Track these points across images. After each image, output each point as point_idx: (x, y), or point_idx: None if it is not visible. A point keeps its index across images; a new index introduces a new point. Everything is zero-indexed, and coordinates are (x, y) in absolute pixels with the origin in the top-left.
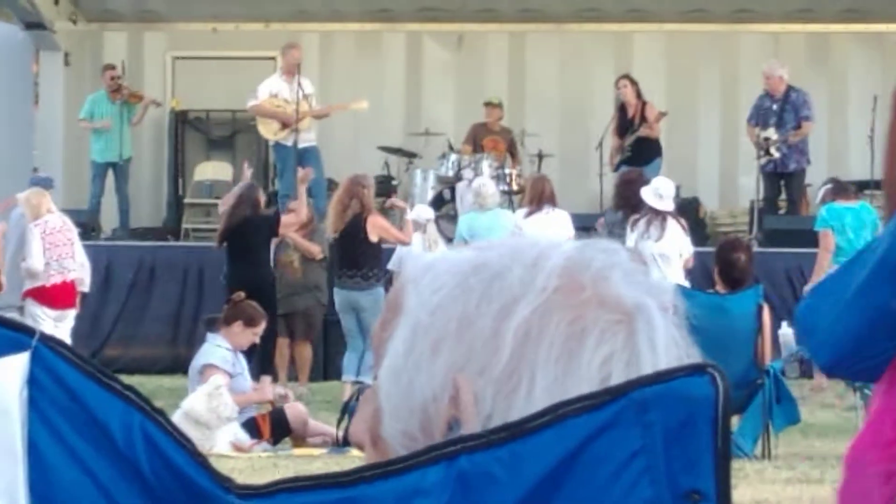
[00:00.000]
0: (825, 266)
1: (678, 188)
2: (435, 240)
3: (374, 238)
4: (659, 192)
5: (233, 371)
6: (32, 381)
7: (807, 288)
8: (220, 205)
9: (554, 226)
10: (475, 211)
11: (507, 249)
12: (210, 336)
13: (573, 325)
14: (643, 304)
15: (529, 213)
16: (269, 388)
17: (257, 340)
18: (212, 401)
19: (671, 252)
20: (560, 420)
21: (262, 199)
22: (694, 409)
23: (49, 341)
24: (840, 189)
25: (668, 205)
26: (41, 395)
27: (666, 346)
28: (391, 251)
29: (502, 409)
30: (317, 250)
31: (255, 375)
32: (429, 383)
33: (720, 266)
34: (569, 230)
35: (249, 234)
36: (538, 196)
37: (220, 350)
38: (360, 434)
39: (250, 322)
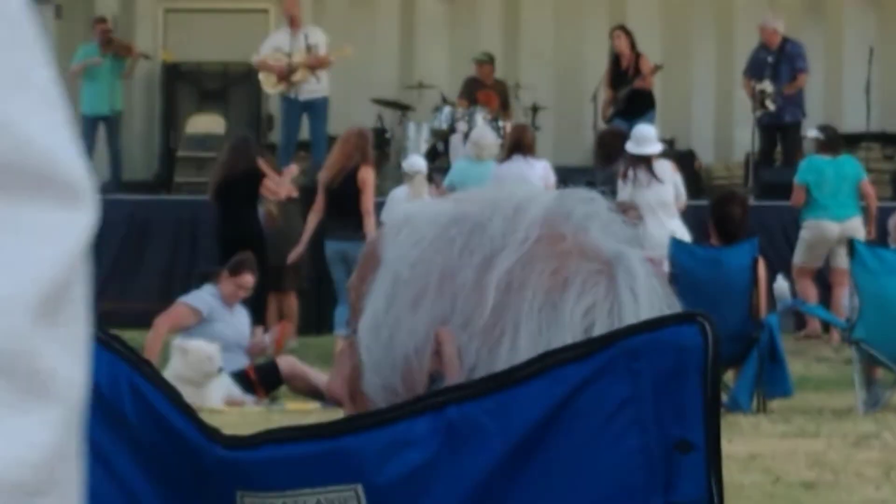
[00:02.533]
0: None
1: (672, 141)
2: (419, 192)
3: (359, 183)
4: (637, 138)
5: (208, 316)
6: None
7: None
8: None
9: (524, 175)
10: (469, 160)
11: (486, 201)
12: (206, 286)
13: (555, 274)
14: (623, 254)
15: (502, 162)
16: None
17: (243, 293)
18: (187, 357)
19: (667, 196)
20: (548, 369)
21: (255, 152)
22: (683, 358)
23: None
24: (825, 144)
25: (650, 148)
26: None
27: (648, 296)
28: (383, 203)
29: (486, 361)
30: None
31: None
32: (411, 337)
33: (715, 219)
34: (546, 180)
35: (235, 188)
36: (511, 145)
37: (202, 294)
38: (339, 389)
39: (234, 271)
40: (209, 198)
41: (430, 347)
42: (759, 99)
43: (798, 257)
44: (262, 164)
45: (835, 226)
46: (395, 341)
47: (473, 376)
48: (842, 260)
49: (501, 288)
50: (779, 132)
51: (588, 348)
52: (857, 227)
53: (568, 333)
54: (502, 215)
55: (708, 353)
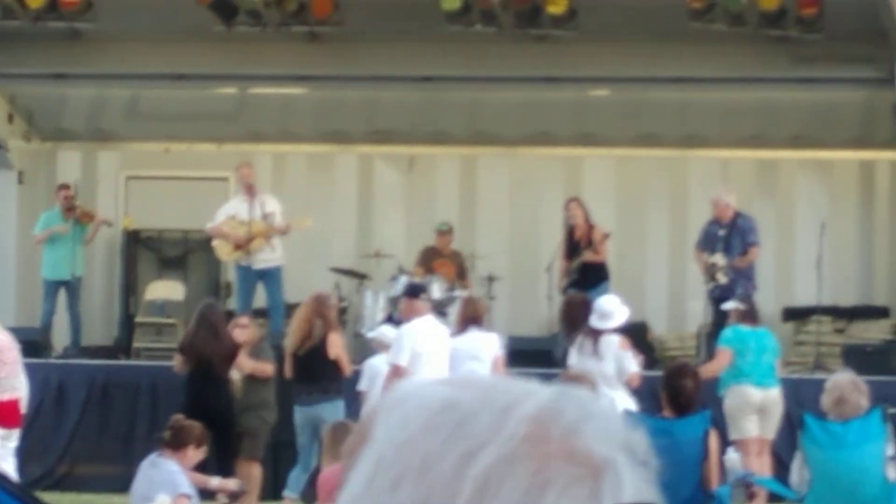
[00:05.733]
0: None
1: None
2: None
3: (332, 355)
4: (601, 310)
5: (192, 495)
6: None
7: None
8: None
9: (478, 348)
10: None
11: (481, 390)
12: (159, 461)
13: (536, 476)
14: (613, 460)
15: (453, 335)
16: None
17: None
18: None
19: (608, 369)
20: None
21: (223, 318)
22: None
23: None
24: (749, 315)
25: (609, 323)
26: None
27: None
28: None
29: None
30: (269, 368)
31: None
32: None
33: (667, 391)
34: (493, 350)
35: (211, 365)
36: (466, 318)
37: (181, 476)
38: None
39: (200, 443)
40: (179, 368)
41: None
42: (710, 272)
43: (732, 433)
44: (236, 335)
45: (757, 392)
46: None
47: None
48: (762, 428)
49: (479, 484)
50: None
51: None
52: (777, 399)
53: None
54: (492, 409)
55: None
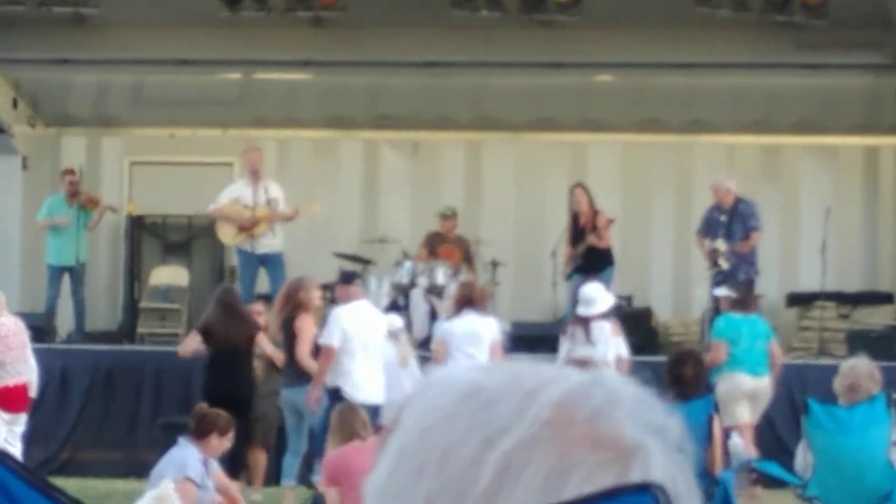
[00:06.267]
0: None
1: (630, 297)
2: (406, 354)
3: (296, 335)
4: (585, 298)
5: (201, 483)
6: None
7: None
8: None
9: (476, 331)
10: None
11: (506, 376)
12: (184, 444)
13: (560, 461)
14: (644, 446)
15: (448, 319)
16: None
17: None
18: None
19: (598, 355)
20: None
21: (241, 300)
22: None
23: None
24: (738, 302)
25: (593, 309)
26: None
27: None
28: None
29: None
30: (280, 357)
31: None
32: None
33: (670, 377)
34: (492, 335)
35: (236, 349)
36: (461, 301)
37: (193, 461)
38: None
39: (224, 431)
40: (184, 351)
41: None
42: (712, 257)
43: (724, 418)
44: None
45: (748, 380)
46: None
47: None
48: (752, 414)
49: (498, 469)
50: None
51: None
52: (767, 387)
53: None
54: (516, 394)
55: None
